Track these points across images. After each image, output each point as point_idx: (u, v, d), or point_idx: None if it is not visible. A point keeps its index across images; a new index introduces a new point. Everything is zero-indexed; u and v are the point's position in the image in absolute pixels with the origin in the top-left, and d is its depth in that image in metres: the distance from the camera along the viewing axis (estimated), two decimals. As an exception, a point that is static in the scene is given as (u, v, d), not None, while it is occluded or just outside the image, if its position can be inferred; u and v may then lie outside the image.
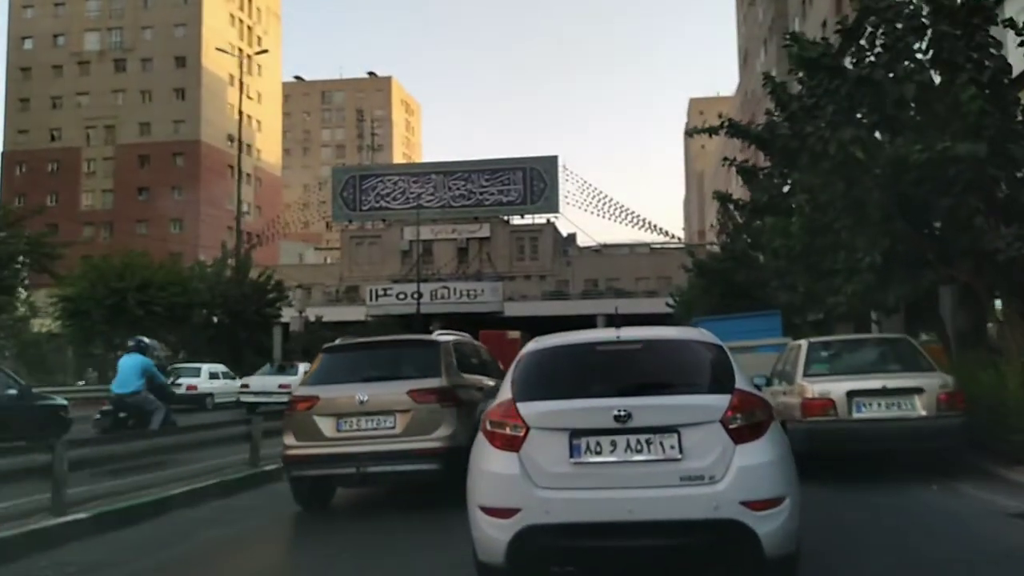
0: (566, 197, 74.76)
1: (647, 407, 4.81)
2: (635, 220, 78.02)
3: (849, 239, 12.27)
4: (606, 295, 64.97)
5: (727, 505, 4.62)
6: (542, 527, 4.70)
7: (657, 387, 5.10)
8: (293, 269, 71.74)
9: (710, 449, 4.73)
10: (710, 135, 16.11)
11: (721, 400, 4.87)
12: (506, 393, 5.18)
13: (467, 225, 74.19)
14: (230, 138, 78.10)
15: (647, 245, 74.19)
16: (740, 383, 5.04)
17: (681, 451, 4.72)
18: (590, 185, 78.20)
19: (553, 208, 73.78)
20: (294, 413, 8.61)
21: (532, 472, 4.79)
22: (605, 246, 63.39)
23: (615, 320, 5.63)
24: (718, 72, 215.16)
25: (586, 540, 4.73)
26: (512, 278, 70.40)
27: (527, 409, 4.95)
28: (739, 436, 4.77)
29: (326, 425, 8.34)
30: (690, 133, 16.09)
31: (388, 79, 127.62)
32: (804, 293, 19.15)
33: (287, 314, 49.01)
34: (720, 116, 16.66)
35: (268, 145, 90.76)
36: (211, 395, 27.92)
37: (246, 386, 26.41)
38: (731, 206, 24.32)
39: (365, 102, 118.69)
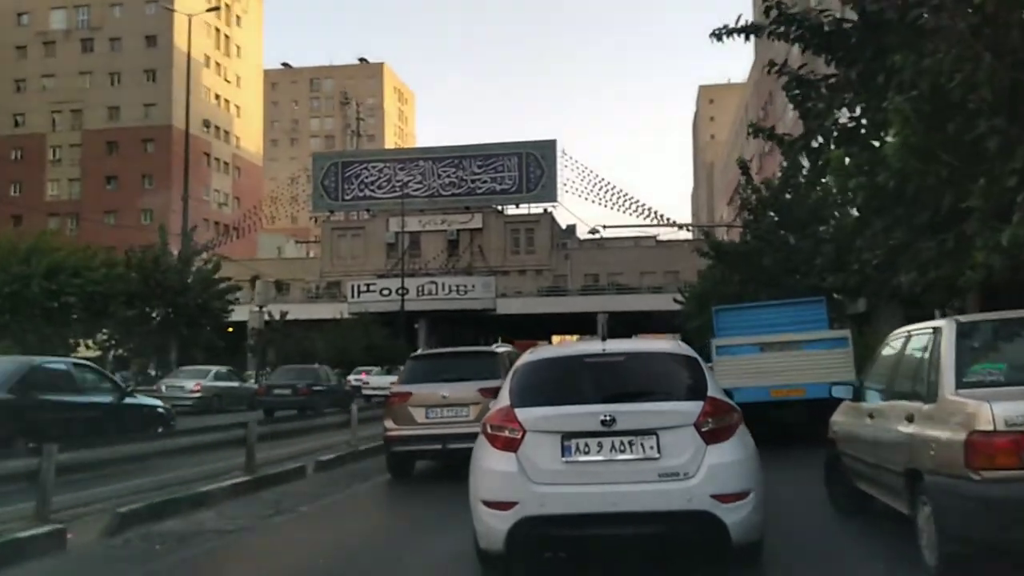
0: (565, 185, 71.18)
1: (629, 412, 5.48)
2: (640, 209, 73.52)
3: (999, 158, 7.28)
4: (607, 291, 62.80)
5: (699, 498, 5.28)
6: (537, 518, 5.37)
7: (638, 395, 5.84)
8: (270, 263, 67.73)
9: (684, 449, 5.40)
10: (746, 38, 11.38)
11: (694, 406, 5.55)
12: (504, 400, 5.87)
13: (457, 215, 70.61)
14: (206, 124, 73.80)
15: (653, 237, 69.74)
16: (712, 391, 5.72)
17: (659, 451, 5.40)
18: (591, 172, 73.09)
19: (551, 197, 70.15)
20: (393, 404, 11.89)
21: (528, 470, 5.45)
22: (605, 228, 59.00)
23: (603, 333, 6.50)
24: (729, 59, 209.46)
25: (576, 529, 5.40)
26: (506, 273, 67.34)
27: (524, 414, 5.61)
28: (710, 438, 5.43)
29: (418, 413, 11.50)
30: (716, 34, 11.32)
31: (380, 65, 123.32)
32: (867, 269, 14.30)
33: (245, 310, 44.01)
34: (771, 8, 11.69)
35: (248, 133, 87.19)
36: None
37: (365, 382, 35.25)
38: (775, 142, 19.12)
39: (356, 89, 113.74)
